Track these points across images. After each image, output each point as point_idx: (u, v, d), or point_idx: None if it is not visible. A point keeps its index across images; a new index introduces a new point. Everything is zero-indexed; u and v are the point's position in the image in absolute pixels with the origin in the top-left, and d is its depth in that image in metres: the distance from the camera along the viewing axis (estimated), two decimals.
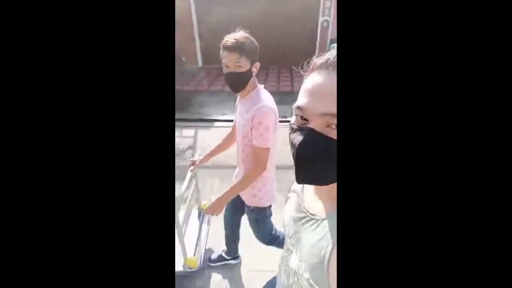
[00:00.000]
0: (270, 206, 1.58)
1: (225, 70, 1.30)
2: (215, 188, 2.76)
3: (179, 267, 1.82)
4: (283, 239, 1.88)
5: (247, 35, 1.28)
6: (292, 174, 0.52)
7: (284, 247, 0.67)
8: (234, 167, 1.65)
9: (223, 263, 2.00)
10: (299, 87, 0.51)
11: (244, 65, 1.27)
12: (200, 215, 2.29)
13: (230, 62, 1.26)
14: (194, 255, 1.94)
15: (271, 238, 1.73)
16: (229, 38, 1.25)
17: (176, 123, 4.14)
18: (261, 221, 1.60)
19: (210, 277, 1.97)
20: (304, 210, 0.60)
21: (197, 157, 1.85)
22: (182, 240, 1.71)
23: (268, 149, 1.34)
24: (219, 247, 2.16)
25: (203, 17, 5.92)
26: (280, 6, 5.85)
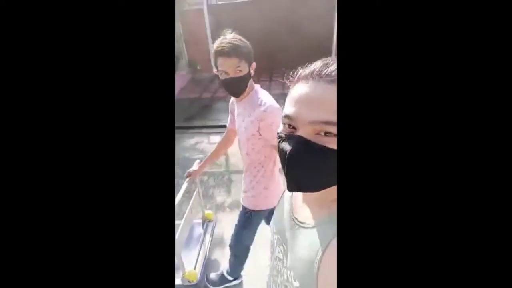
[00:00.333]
0: (265, 211, 1.49)
1: (223, 77, 1.22)
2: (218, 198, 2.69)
3: (177, 280, 1.74)
4: (244, 260, 1.78)
5: (239, 37, 1.21)
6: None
7: (272, 256, 0.67)
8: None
9: (225, 285, 1.87)
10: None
11: (243, 68, 1.20)
12: (204, 225, 2.21)
13: (230, 68, 1.18)
14: (195, 268, 1.85)
15: (244, 251, 1.66)
16: (224, 43, 1.17)
17: (200, 130, 4.18)
18: (249, 226, 1.52)
19: None
20: (293, 218, 0.60)
21: (195, 167, 1.78)
22: (179, 253, 1.63)
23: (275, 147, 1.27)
24: (222, 258, 2.07)
25: (217, 27, 5.97)
26: (292, 15, 5.84)
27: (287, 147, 0.48)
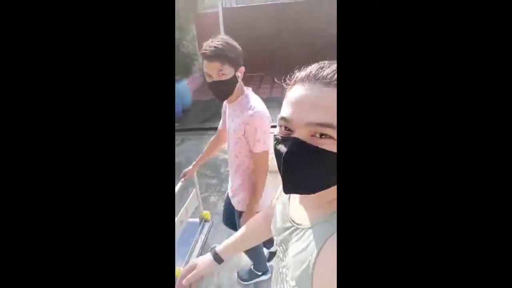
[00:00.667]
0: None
1: (208, 80, 1.22)
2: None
3: None
4: (263, 255, 1.82)
5: (227, 40, 1.20)
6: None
7: (276, 254, 0.68)
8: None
9: (254, 281, 1.87)
10: None
11: (227, 72, 1.19)
12: (200, 225, 2.21)
13: (213, 71, 1.18)
14: (184, 266, 1.84)
15: (256, 249, 1.65)
16: (208, 46, 1.17)
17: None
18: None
19: None
20: (289, 219, 0.60)
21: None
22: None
23: (267, 152, 1.27)
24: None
25: (231, 30, 6.03)
26: (305, 20, 5.85)
27: (283, 149, 0.48)
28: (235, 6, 6.07)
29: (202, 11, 5.84)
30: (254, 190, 1.34)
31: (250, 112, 1.21)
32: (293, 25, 6.00)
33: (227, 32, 6.07)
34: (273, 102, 3.35)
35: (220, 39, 1.19)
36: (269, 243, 1.93)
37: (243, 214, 1.38)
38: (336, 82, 0.46)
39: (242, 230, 0.86)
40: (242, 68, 1.25)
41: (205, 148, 1.71)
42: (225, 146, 1.58)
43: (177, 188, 1.74)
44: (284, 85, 0.54)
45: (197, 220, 2.23)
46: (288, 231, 0.60)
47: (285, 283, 0.58)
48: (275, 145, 0.51)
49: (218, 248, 0.84)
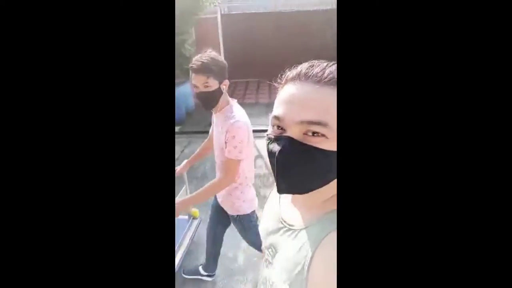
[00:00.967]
0: (253, 212, 1.60)
1: (195, 90, 1.39)
2: None
3: None
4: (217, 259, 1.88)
5: (213, 55, 1.36)
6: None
7: (264, 258, 0.66)
8: None
9: (196, 277, 1.99)
10: None
11: (212, 84, 1.36)
12: (189, 222, 2.26)
13: (199, 83, 1.35)
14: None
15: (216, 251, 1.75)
16: (196, 61, 1.34)
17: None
18: (248, 227, 1.62)
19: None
20: (281, 220, 0.59)
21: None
22: None
23: (239, 161, 1.39)
24: (201, 256, 2.12)
25: (230, 36, 6.13)
26: (303, 27, 5.96)
27: (276, 148, 0.48)
28: (234, 12, 6.19)
29: (201, 16, 5.93)
30: (207, 190, 1.44)
31: (232, 121, 1.36)
32: (292, 33, 6.12)
33: (225, 37, 6.17)
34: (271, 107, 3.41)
35: (207, 55, 1.35)
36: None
37: (177, 204, 1.46)
38: (326, 80, 0.47)
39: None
40: (226, 81, 1.41)
41: (198, 149, 1.83)
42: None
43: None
44: (276, 85, 0.55)
45: (186, 217, 2.29)
46: (279, 233, 0.59)
47: (277, 287, 0.56)
48: (268, 144, 0.51)
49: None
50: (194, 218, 2.30)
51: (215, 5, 5.49)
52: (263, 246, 0.66)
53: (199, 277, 1.98)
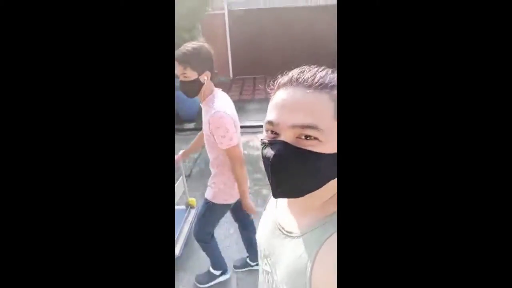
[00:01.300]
0: (226, 206, 1.63)
1: (177, 79, 1.42)
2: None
3: None
4: (217, 250, 1.88)
5: (196, 46, 1.37)
6: None
7: (260, 269, 0.66)
8: None
9: (213, 283, 1.95)
10: None
11: (190, 75, 1.38)
12: (186, 211, 2.33)
13: (178, 73, 1.39)
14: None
15: (205, 237, 1.76)
16: (177, 50, 1.36)
17: (246, 130, 4.18)
18: (208, 216, 1.66)
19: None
20: (279, 228, 0.60)
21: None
22: None
23: (236, 146, 1.43)
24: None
25: (236, 32, 6.17)
26: (309, 25, 5.95)
27: (270, 152, 0.49)
28: (240, 9, 6.22)
29: (208, 13, 5.98)
30: (237, 181, 1.51)
31: (212, 111, 1.39)
32: (299, 29, 6.11)
33: (232, 33, 6.21)
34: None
35: (190, 45, 1.37)
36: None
37: (244, 203, 1.57)
38: (316, 84, 0.48)
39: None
40: (208, 73, 1.41)
41: (194, 140, 1.88)
42: None
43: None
44: (269, 90, 0.56)
45: (183, 207, 2.35)
46: (278, 240, 0.59)
47: None
48: (262, 149, 0.52)
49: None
50: (192, 207, 2.37)
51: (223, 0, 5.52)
52: (262, 255, 0.65)
53: (216, 281, 1.94)
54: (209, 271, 1.95)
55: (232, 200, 1.63)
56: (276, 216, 0.63)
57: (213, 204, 1.62)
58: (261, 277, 0.66)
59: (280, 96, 0.51)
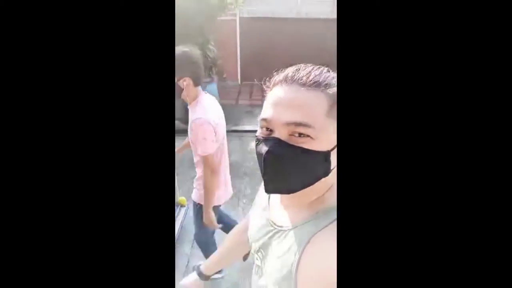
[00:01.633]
0: (216, 207, 1.67)
1: None
2: None
3: None
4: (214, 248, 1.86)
5: (178, 51, 1.42)
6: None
7: (254, 263, 0.66)
8: None
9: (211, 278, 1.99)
10: None
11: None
12: (177, 210, 2.43)
13: None
14: None
15: (206, 241, 1.79)
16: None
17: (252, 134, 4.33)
18: (199, 217, 1.68)
19: None
20: (270, 222, 0.61)
21: None
22: None
23: (211, 155, 1.48)
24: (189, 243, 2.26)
25: (246, 38, 6.30)
26: (318, 36, 6.04)
27: (263, 148, 0.50)
28: (251, 16, 6.34)
29: (222, 18, 6.09)
30: (205, 189, 1.55)
31: (192, 118, 1.45)
32: (308, 40, 6.20)
33: (242, 40, 6.34)
34: None
35: (178, 49, 1.43)
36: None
37: (205, 214, 1.58)
38: (310, 82, 0.49)
39: (224, 245, 0.89)
40: (186, 79, 1.44)
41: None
42: None
43: None
44: (265, 88, 0.56)
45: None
46: (268, 235, 0.59)
47: None
48: (256, 145, 0.52)
49: (202, 266, 0.89)
50: (182, 206, 2.46)
51: (236, 7, 5.62)
52: (252, 251, 0.66)
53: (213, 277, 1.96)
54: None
55: (219, 202, 1.68)
56: (268, 211, 0.64)
57: (201, 205, 1.66)
58: (253, 271, 0.66)
59: (275, 93, 0.52)
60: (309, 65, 0.53)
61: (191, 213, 2.01)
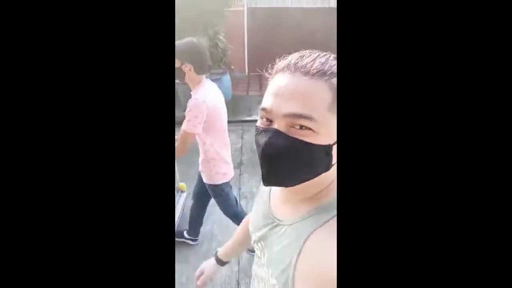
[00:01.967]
0: (226, 184, 1.82)
1: None
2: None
3: None
4: (200, 225, 2.10)
5: (185, 40, 1.59)
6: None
7: (255, 253, 0.67)
8: None
9: (181, 239, 2.21)
10: None
11: (176, 64, 1.58)
12: (177, 195, 2.48)
13: None
14: None
15: (235, 211, 1.95)
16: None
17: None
18: (219, 196, 1.85)
19: None
20: (271, 215, 0.60)
21: None
22: None
23: (192, 135, 1.59)
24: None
25: (253, 29, 6.27)
26: (324, 27, 5.97)
27: (262, 139, 0.48)
28: (259, 6, 6.31)
29: (228, 9, 6.08)
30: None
31: (192, 99, 1.57)
32: (315, 30, 6.14)
33: (250, 31, 6.31)
34: None
35: (184, 40, 1.59)
36: None
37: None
38: (314, 71, 0.46)
39: (237, 233, 0.94)
40: (188, 65, 1.61)
41: None
42: None
43: None
44: (267, 75, 0.54)
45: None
46: (268, 227, 0.59)
47: (265, 281, 0.57)
48: (255, 135, 0.51)
49: (219, 252, 0.97)
50: (182, 191, 2.51)
51: None
52: (252, 241, 0.66)
53: (183, 239, 2.20)
54: (183, 233, 2.21)
55: (227, 179, 1.81)
56: (269, 204, 0.63)
57: (215, 185, 1.81)
58: (254, 261, 0.67)
59: (276, 82, 0.49)
60: (315, 51, 0.50)
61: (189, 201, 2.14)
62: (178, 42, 1.57)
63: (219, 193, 1.87)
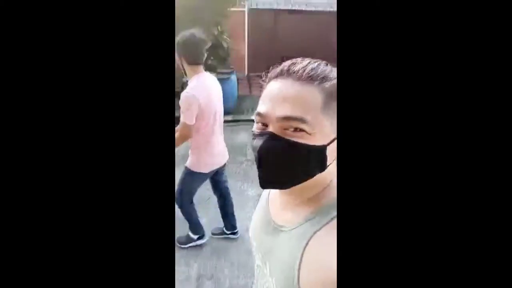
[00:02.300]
0: (200, 176, 1.85)
1: None
2: None
3: None
4: (194, 216, 2.07)
5: (183, 33, 1.65)
6: None
7: (255, 263, 0.67)
8: None
9: (190, 245, 2.19)
10: None
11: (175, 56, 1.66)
12: None
13: None
14: None
15: (184, 203, 1.96)
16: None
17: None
18: (184, 180, 1.88)
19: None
20: (271, 221, 0.60)
21: None
22: None
23: (188, 126, 1.67)
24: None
25: (254, 30, 6.33)
26: (322, 21, 6.04)
27: (258, 143, 0.49)
28: (260, 7, 6.36)
29: (230, 9, 6.11)
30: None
31: (184, 91, 1.65)
32: (315, 33, 6.20)
33: (251, 31, 6.35)
34: None
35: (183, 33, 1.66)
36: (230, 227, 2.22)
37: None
38: (306, 76, 0.48)
39: None
40: (181, 56, 1.70)
41: None
42: None
43: None
44: (261, 82, 0.56)
45: None
46: (269, 235, 0.59)
47: None
48: (252, 140, 0.52)
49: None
50: None
51: None
52: (253, 248, 0.66)
53: (193, 244, 2.17)
54: (188, 235, 2.17)
55: (206, 170, 1.85)
56: (269, 210, 0.63)
57: (191, 171, 1.84)
58: (256, 271, 0.66)
59: (270, 88, 0.52)
60: (306, 59, 0.53)
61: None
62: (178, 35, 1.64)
63: (188, 181, 1.90)
